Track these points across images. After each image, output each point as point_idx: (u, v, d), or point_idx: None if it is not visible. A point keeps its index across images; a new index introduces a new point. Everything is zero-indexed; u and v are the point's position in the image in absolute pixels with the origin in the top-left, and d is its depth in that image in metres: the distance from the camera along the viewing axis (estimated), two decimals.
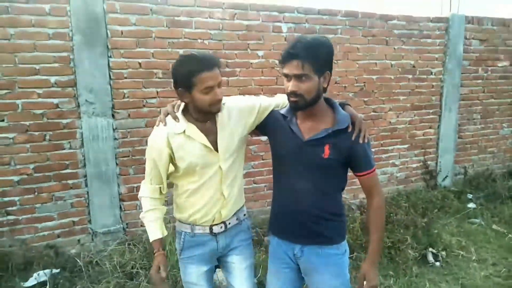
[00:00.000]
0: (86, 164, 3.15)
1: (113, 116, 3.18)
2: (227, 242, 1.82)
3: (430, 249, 3.39)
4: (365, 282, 1.64)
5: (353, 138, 1.59)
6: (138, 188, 3.32)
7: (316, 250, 1.66)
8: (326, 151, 1.58)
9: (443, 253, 3.40)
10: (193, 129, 1.63)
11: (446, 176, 4.69)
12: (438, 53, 4.52)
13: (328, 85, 1.59)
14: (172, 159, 1.65)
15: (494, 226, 3.96)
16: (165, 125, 1.61)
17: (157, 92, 3.29)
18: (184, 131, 1.62)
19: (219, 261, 1.88)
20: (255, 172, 3.77)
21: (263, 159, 3.77)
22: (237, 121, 1.72)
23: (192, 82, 1.53)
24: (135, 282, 2.78)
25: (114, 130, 3.20)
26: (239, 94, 3.58)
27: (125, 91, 3.19)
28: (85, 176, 3.17)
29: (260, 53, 3.63)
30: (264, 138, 3.72)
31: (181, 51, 3.32)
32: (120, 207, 3.32)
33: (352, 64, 4.07)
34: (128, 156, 3.28)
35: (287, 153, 1.64)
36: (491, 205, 4.31)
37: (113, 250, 3.12)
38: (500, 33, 4.83)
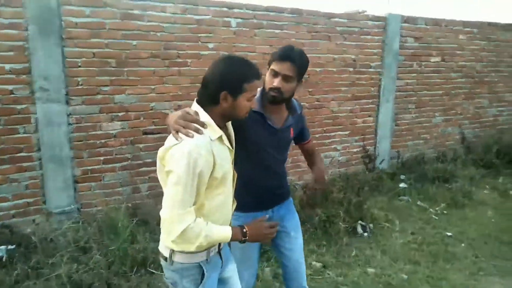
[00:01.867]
0: (41, 148, 3.33)
1: (67, 102, 3.38)
2: (226, 255, 1.73)
3: (360, 222, 3.85)
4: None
5: (302, 114, 2.06)
6: (92, 171, 3.61)
7: (282, 206, 2.09)
8: (291, 132, 2.01)
9: (371, 225, 3.86)
10: (223, 135, 1.55)
11: (383, 159, 5.19)
12: (376, 48, 4.97)
13: None
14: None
15: (418, 203, 4.49)
16: (202, 133, 1.43)
17: (110, 80, 3.51)
18: (221, 136, 1.52)
19: None
20: None
21: None
22: None
23: (243, 88, 1.47)
24: (88, 255, 3.03)
25: (68, 116, 3.39)
26: (191, 83, 3.86)
27: (79, 79, 3.39)
28: (40, 159, 3.35)
29: (211, 45, 3.91)
30: None
31: (134, 42, 3.55)
32: (75, 189, 3.53)
33: None
34: (82, 141, 3.49)
35: (264, 141, 1.90)
36: (419, 184, 4.85)
37: (68, 228, 3.33)
38: (432, 31, 5.35)
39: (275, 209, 2.05)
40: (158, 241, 3.17)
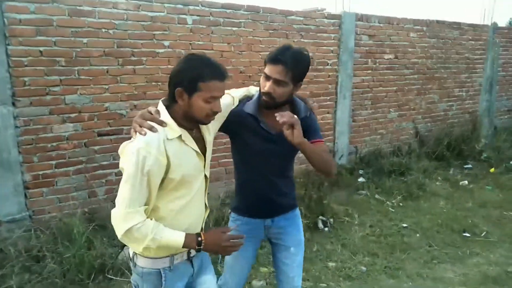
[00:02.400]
0: None
1: (13, 104, 3.18)
2: (198, 263, 1.66)
3: (321, 217, 3.92)
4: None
5: (308, 114, 1.83)
6: (43, 176, 3.43)
7: (284, 216, 1.94)
8: None
9: (331, 220, 3.95)
10: (186, 135, 1.49)
11: (342, 155, 5.32)
12: (333, 46, 5.08)
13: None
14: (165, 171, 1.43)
15: (376, 196, 4.64)
16: (155, 131, 1.40)
17: (60, 80, 3.34)
18: (180, 136, 1.46)
19: None
20: None
21: None
22: (214, 122, 1.64)
23: (198, 87, 1.41)
24: (42, 264, 2.88)
25: (15, 118, 3.20)
26: (146, 82, 3.76)
27: (26, 79, 3.20)
28: None
29: (166, 43, 3.82)
30: None
31: (85, 40, 3.40)
32: (25, 195, 3.34)
33: (256, 55, 4.43)
34: (32, 144, 3.30)
35: (259, 148, 1.78)
36: (376, 178, 5.01)
37: (19, 236, 3.15)
38: (385, 29, 5.53)
39: (275, 219, 1.93)
40: (116, 246, 3.09)
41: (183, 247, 1.46)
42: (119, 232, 1.39)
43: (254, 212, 1.90)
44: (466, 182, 5.24)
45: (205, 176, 1.61)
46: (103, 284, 2.83)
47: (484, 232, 3.92)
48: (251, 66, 4.42)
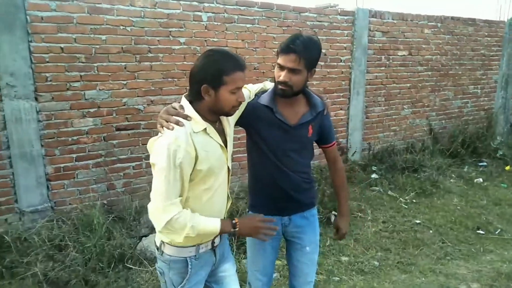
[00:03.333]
0: (10, 146, 3.24)
1: (36, 99, 3.29)
2: (221, 252, 1.73)
3: (333, 212, 3.95)
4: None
5: (325, 113, 1.88)
6: (65, 168, 3.54)
7: (301, 215, 1.92)
8: (310, 130, 1.83)
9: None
10: (210, 128, 1.55)
11: (355, 151, 5.33)
12: (346, 43, 5.09)
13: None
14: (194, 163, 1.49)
15: (389, 192, 4.65)
16: (182, 125, 1.46)
17: (80, 76, 3.44)
18: (205, 129, 1.52)
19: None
20: None
21: None
22: (234, 116, 1.71)
23: (223, 80, 1.47)
24: (64, 253, 2.98)
25: (37, 112, 3.31)
26: (163, 78, 3.84)
27: (47, 74, 3.31)
28: (10, 157, 3.26)
29: (182, 40, 3.90)
30: None
31: (103, 37, 3.49)
32: (48, 187, 3.45)
33: (269, 52, 4.47)
34: (53, 138, 3.41)
35: (275, 138, 1.79)
36: (389, 175, 5.02)
37: (42, 226, 3.26)
38: (399, 26, 5.51)
39: (292, 217, 1.92)
40: (135, 237, 3.18)
41: (220, 232, 1.54)
42: (160, 224, 1.44)
43: (271, 209, 1.86)
44: (480, 179, 5.20)
45: (228, 168, 1.66)
46: (123, 273, 2.92)
47: (499, 230, 3.91)
48: (265, 63, 4.47)
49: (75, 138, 3.50)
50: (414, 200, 4.52)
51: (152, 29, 3.72)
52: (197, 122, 1.51)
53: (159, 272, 1.65)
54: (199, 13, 3.95)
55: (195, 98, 1.54)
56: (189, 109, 1.53)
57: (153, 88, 3.81)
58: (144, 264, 2.96)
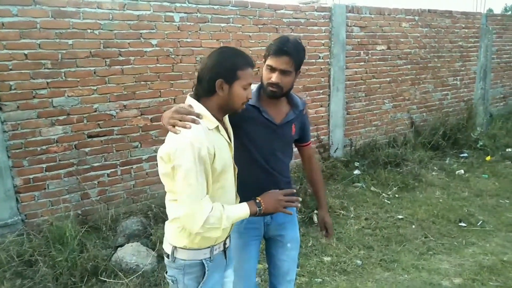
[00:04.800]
0: None
1: (0, 109, 3.15)
2: (229, 255, 1.73)
3: (316, 211, 3.90)
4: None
5: (304, 112, 1.95)
6: (34, 179, 3.41)
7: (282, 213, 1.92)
8: (293, 129, 1.89)
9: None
10: (220, 126, 1.56)
11: (337, 148, 5.29)
12: (324, 39, 5.03)
13: None
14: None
15: (372, 188, 4.62)
16: (198, 122, 1.45)
17: (47, 82, 3.30)
18: (217, 127, 1.53)
19: None
20: None
21: None
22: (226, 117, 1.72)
23: (237, 75, 1.49)
24: (34, 269, 2.86)
25: (2, 122, 3.17)
26: (136, 82, 3.73)
27: (11, 83, 3.16)
28: None
29: (154, 41, 3.78)
30: None
31: (70, 41, 3.36)
32: (17, 199, 3.31)
33: (246, 51, 4.37)
34: (21, 148, 3.27)
35: (262, 137, 1.81)
36: (372, 170, 4.99)
37: (11, 241, 3.12)
38: (376, 20, 5.49)
39: (274, 216, 1.92)
40: (110, 247, 3.08)
41: (250, 215, 1.55)
42: (196, 226, 1.42)
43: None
44: (462, 171, 5.22)
45: (234, 166, 1.66)
46: (96, 287, 2.82)
47: (480, 221, 3.91)
48: None
49: (44, 147, 3.37)
50: (396, 195, 4.50)
51: (121, 31, 3.60)
52: (210, 119, 1.51)
53: (171, 281, 1.58)
54: (171, 14, 3.84)
55: (204, 96, 1.53)
56: (199, 107, 1.52)
57: (125, 93, 3.69)
58: (119, 276, 2.85)
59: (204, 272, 1.56)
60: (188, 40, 3.97)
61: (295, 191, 1.70)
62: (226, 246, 1.66)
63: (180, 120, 1.44)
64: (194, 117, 1.46)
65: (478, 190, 4.68)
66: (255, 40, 4.43)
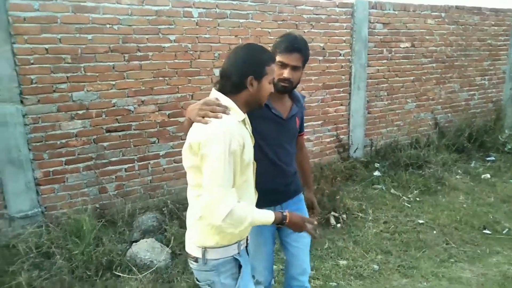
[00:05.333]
0: None
1: (21, 102, 3.20)
2: (250, 251, 1.77)
3: (333, 213, 3.81)
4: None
5: (303, 106, 2.08)
6: (54, 172, 3.46)
7: (292, 201, 2.04)
8: (297, 121, 2.02)
9: (344, 216, 3.83)
10: (246, 119, 1.62)
11: (357, 148, 5.17)
12: (345, 36, 4.91)
13: None
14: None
15: (392, 190, 4.49)
16: (229, 113, 1.49)
17: (67, 77, 3.33)
18: (244, 119, 1.57)
19: None
20: (175, 152, 3.94)
21: (182, 139, 3.94)
22: None
23: (265, 71, 1.54)
24: (51, 261, 2.90)
25: (23, 116, 3.22)
26: (154, 77, 3.72)
27: (32, 77, 3.21)
28: None
29: (172, 37, 3.77)
30: (182, 119, 3.92)
31: (89, 36, 3.38)
32: (37, 192, 3.37)
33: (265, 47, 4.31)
34: (41, 141, 3.32)
35: (272, 132, 1.90)
36: (392, 172, 4.85)
37: (31, 233, 3.18)
38: (400, 17, 5.31)
39: (284, 205, 2.00)
40: (126, 242, 3.09)
41: (272, 222, 1.55)
42: (219, 217, 1.38)
43: (266, 200, 1.87)
44: (488, 175, 5.01)
45: (254, 160, 1.66)
46: (111, 281, 2.83)
47: (506, 229, 3.74)
48: None
49: (63, 141, 3.41)
50: (418, 199, 4.36)
51: (140, 27, 3.59)
52: (237, 112, 1.54)
53: (207, 285, 1.56)
54: (189, 9, 3.81)
55: (231, 92, 1.55)
56: (226, 100, 1.54)
57: (143, 88, 3.69)
58: (133, 271, 2.86)
59: (239, 267, 1.56)
60: (207, 36, 3.93)
61: (316, 222, 1.73)
62: (248, 241, 1.68)
63: (211, 111, 1.46)
64: (224, 108, 1.48)
65: (505, 195, 4.48)
66: (274, 36, 4.34)
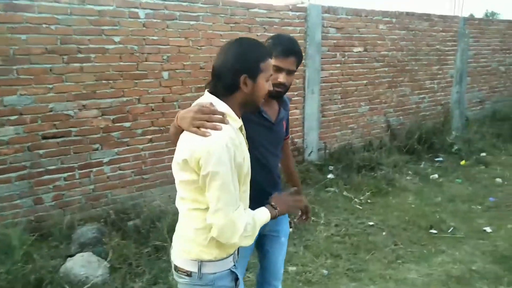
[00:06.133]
0: None
1: None
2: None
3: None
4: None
5: (288, 110, 1.98)
6: None
7: None
8: (284, 125, 1.95)
9: (296, 220, 3.79)
10: (243, 125, 1.50)
11: (311, 151, 5.19)
12: (299, 40, 4.89)
13: None
14: None
15: (344, 193, 4.52)
16: (227, 122, 1.36)
17: None
18: (241, 126, 1.45)
19: None
20: (121, 159, 3.76)
21: (127, 145, 3.77)
22: None
23: (261, 68, 1.40)
24: None
25: None
26: (96, 80, 3.53)
27: None
28: None
29: (117, 38, 3.59)
30: (128, 124, 3.75)
31: (23, 36, 3.15)
32: None
33: (216, 50, 4.21)
34: None
35: (261, 136, 1.80)
36: (346, 175, 4.90)
37: None
38: (353, 21, 5.40)
39: None
40: (61, 257, 2.88)
41: (270, 219, 1.51)
42: (235, 237, 1.34)
43: (255, 207, 1.76)
44: (436, 175, 5.18)
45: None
46: None
47: (451, 228, 3.84)
48: (212, 62, 4.22)
49: None
50: (369, 200, 4.41)
51: (81, 27, 3.40)
52: (234, 119, 1.41)
53: None
54: (136, 10, 3.66)
55: (224, 93, 1.41)
56: (222, 106, 1.40)
57: (84, 92, 3.49)
58: None
59: (236, 280, 1.49)
60: (154, 37, 3.79)
61: (296, 189, 1.71)
62: (237, 253, 1.59)
63: (208, 121, 1.32)
64: (222, 117, 1.35)
65: (451, 195, 4.63)
66: (226, 39, 4.26)
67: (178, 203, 1.48)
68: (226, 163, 1.28)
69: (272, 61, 1.66)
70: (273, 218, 1.52)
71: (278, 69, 1.74)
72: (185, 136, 1.37)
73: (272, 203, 1.54)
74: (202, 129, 1.31)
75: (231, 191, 1.31)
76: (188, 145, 1.33)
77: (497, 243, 3.57)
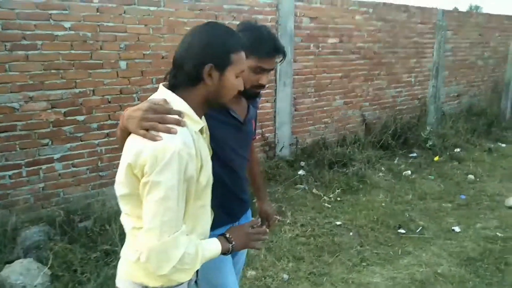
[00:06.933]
0: None
1: None
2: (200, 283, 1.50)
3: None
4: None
5: (257, 107, 1.79)
6: None
7: (245, 215, 1.79)
8: (253, 124, 1.76)
9: (260, 220, 3.63)
10: (205, 127, 1.29)
11: (283, 146, 5.02)
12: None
13: None
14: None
15: (314, 190, 4.38)
16: (184, 124, 1.13)
17: None
18: (202, 128, 1.23)
19: None
20: (74, 155, 3.52)
21: (81, 141, 3.53)
22: None
23: (231, 60, 1.19)
24: None
25: None
26: (44, 70, 3.26)
27: None
28: None
29: (67, 24, 3.32)
30: (81, 117, 3.51)
31: None
32: None
33: (180, 39, 3.97)
34: None
35: (229, 138, 1.61)
36: (316, 171, 4.75)
37: None
38: (328, 11, 5.20)
39: (241, 219, 1.76)
40: (1, 262, 2.63)
41: (220, 253, 1.27)
42: (164, 267, 1.09)
43: (227, 216, 1.66)
44: (409, 172, 5.08)
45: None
46: None
47: (420, 228, 3.75)
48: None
49: None
50: (339, 198, 4.28)
51: (25, 11, 3.12)
52: (193, 119, 1.19)
53: None
54: None
55: (184, 86, 1.19)
56: (180, 103, 1.18)
57: (31, 82, 3.22)
58: None
59: None
60: (110, 24, 3.52)
61: (259, 222, 1.53)
62: (198, 274, 1.39)
63: (160, 122, 1.10)
64: (178, 118, 1.12)
65: (422, 192, 4.55)
66: (190, 27, 4.00)
67: (123, 220, 1.25)
68: (173, 174, 1.06)
69: (252, 61, 1.46)
70: (224, 253, 1.28)
71: (262, 70, 1.53)
72: (133, 140, 1.13)
73: (227, 235, 1.31)
74: (153, 132, 1.08)
75: (172, 209, 1.08)
76: (133, 148, 1.10)
77: (465, 243, 3.50)
